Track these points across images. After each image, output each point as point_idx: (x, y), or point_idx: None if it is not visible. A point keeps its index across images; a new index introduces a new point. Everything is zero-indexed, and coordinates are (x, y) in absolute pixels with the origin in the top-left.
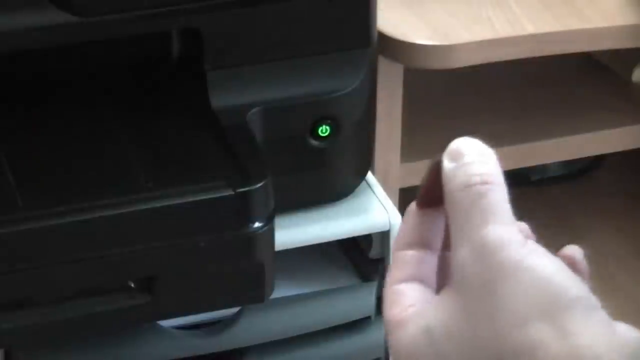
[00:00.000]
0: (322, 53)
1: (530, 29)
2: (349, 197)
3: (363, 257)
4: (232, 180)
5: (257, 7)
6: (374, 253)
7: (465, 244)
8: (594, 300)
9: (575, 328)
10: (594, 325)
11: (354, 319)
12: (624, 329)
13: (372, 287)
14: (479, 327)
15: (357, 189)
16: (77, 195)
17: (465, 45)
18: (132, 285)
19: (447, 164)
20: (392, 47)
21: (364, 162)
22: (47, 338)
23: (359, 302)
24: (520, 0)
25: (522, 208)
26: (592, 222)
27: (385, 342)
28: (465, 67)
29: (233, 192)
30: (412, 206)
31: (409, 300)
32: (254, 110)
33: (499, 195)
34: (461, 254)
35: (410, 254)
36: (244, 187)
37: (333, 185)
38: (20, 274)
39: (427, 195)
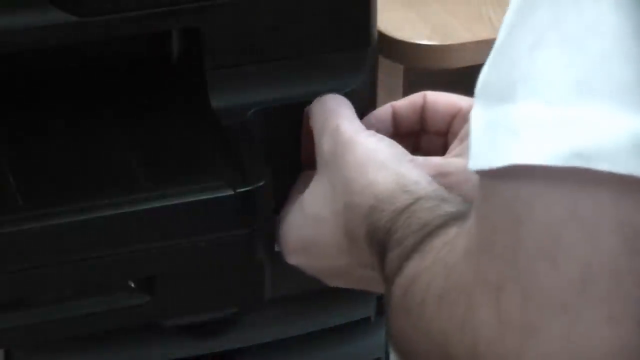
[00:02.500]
0: (322, 53)
1: None
2: None
3: None
4: (232, 180)
5: (257, 6)
6: None
7: (325, 134)
8: (408, 156)
9: (401, 169)
10: (411, 167)
11: (354, 319)
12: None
13: None
14: (333, 184)
15: None
16: (77, 195)
17: (465, 45)
18: (132, 285)
19: (310, 106)
20: (392, 47)
21: None
22: (47, 338)
23: (359, 302)
24: None
25: None
26: None
27: (386, 342)
28: (465, 67)
29: (233, 192)
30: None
31: None
32: (253, 110)
33: (349, 109)
34: (322, 143)
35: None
36: (244, 187)
37: None
38: (20, 274)
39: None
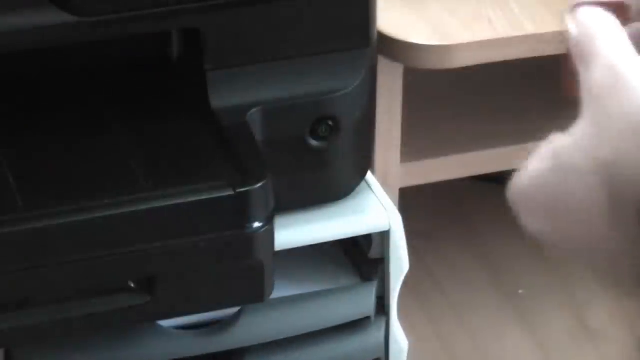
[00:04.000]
0: (322, 53)
1: (530, 29)
2: (349, 197)
3: (363, 257)
4: (232, 180)
5: (257, 7)
6: (374, 253)
7: (592, 65)
8: None
9: None
10: None
11: (354, 319)
12: None
13: (372, 287)
14: (600, 126)
15: (357, 189)
16: (77, 195)
17: (465, 45)
18: (132, 285)
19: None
20: (392, 47)
21: (364, 162)
22: (47, 338)
23: (359, 302)
24: (520, 0)
25: None
26: None
27: (386, 342)
28: (465, 67)
29: (233, 192)
30: None
31: None
32: (254, 110)
33: (619, 30)
34: (588, 77)
35: None
36: (244, 187)
37: (333, 185)
38: (20, 274)
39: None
